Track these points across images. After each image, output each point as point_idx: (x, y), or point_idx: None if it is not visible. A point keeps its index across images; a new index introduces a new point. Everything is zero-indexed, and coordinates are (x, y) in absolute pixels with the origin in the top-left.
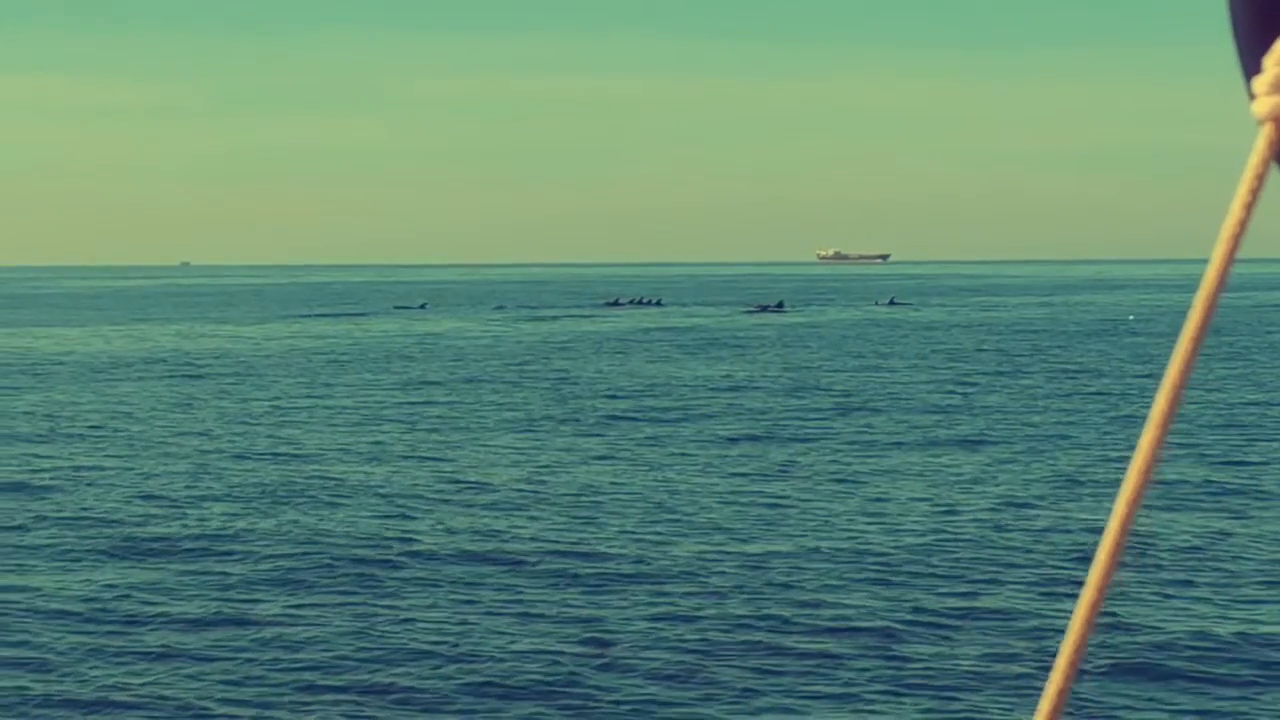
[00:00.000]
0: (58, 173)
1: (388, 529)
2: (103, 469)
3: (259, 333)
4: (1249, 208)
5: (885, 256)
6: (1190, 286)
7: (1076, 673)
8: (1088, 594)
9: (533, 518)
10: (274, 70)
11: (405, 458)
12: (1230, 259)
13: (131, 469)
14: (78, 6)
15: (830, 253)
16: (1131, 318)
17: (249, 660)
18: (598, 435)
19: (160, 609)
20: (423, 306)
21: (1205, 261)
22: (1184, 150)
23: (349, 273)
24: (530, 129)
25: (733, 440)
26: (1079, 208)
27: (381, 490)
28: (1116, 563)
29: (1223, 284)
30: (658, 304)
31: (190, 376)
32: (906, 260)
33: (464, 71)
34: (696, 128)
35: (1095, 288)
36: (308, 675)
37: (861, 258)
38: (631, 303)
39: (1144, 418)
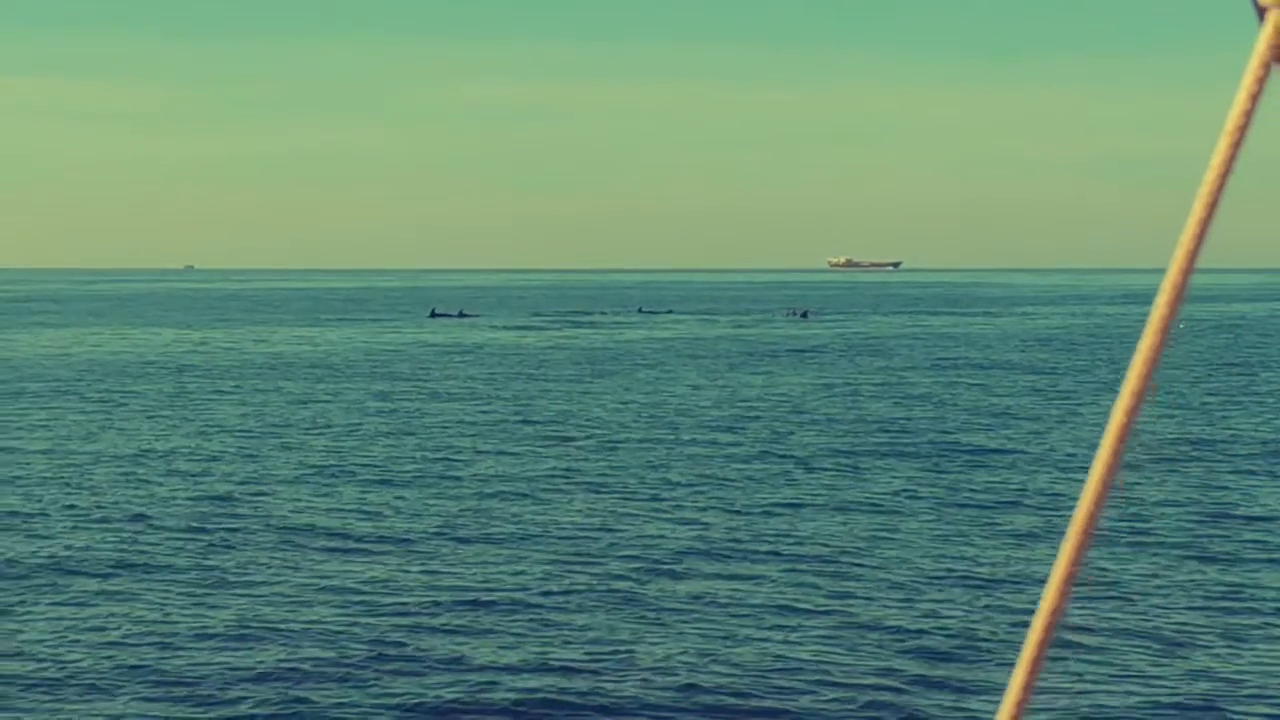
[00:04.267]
0: (60, 175)
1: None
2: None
3: (306, 337)
4: (1249, 114)
5: (897, 264)
6: (1208, 297)
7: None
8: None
9: (701, 525)
10: (275, 74)
11: (535, 462)
12: (1226, 174)
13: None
14: (81, 8)
15: (842, 260)
16: (1182, 325)
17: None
18: (732, 443)
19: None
20: (461, 314)
21: (1218, 271)
22: (1199, 157)
23: (354, 278)
24: (532, 134)
25: (861, 447)
26: (1091, 216)
27: (542, 499)
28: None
29: (1214, 210)
30: (669, 313)
31: (263, 380)
32: (918, 268)
33: (467, 75)
34: (703, 134)
35: (1130, 298)
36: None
37: (873, 265)
38: (641, 310)
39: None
